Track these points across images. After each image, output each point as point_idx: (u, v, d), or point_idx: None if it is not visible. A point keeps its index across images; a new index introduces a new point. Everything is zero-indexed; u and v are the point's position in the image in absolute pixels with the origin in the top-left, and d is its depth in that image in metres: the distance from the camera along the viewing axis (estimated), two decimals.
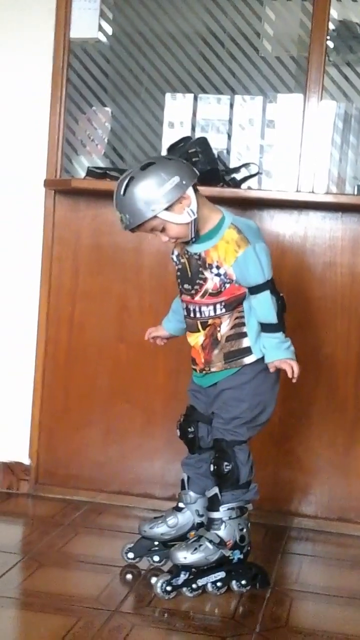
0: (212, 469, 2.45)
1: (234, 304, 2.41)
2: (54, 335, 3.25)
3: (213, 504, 2.44)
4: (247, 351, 2.42)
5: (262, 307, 2.39)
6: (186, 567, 2.38)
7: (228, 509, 2.42)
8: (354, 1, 3.12)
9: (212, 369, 2.46)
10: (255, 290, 2.38)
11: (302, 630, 2.26)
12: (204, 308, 2.43)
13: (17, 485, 3.28)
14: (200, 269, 2.41)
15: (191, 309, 2.46)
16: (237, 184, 3.00)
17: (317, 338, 3.05)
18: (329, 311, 3.06)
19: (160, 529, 2.59)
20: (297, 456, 3.09)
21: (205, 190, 2.90)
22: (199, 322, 2.46)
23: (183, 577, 2.38)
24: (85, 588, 2.42)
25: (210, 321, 2.44)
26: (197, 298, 2.43)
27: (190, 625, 2.25)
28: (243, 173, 3.06)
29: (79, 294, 3.23)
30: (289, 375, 2.39)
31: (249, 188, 3.06)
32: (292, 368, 2.38)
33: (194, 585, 2.39)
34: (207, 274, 2.40)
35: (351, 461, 3.06)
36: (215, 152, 3.03)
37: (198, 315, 2.45)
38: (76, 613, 2.23)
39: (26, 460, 3.28)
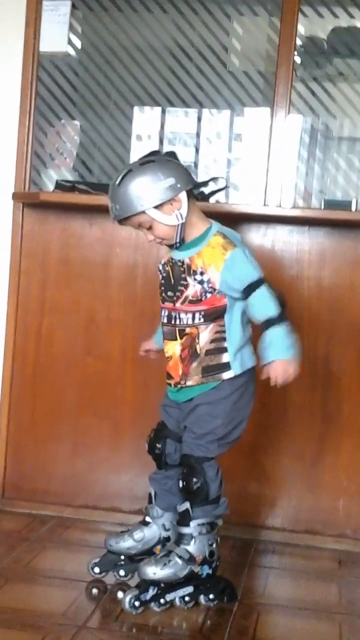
0: (181, 485, 2.43)
1: (213, 316, 2.38)
2: (22, 348, 3.24)
3: (184, 519, 2.43)
4: (226, 367, 2.39)
5: (261, 302, 2.33)
6: (155, 583, 2.37)
7: (198, 525, 2.41)
8: (320, 17, 3.15)
9: (188, 383, 2.43)
10: (250, 289, 2.33)
11: None
12: (182, 315, 2.41)
13: None
14: (183, 275, 2.40)
15: (172, 315, 2.44)
16: (205, 197, 3.01)
17: None
18: (295, 324, 3.06)
19: (127, 543, 2.57)
20: (263, 468, 3.09)
21: None
22: (177, 330, 2.43)
23: (152, 592, 2.37)
24: (52, 603, 2.41)
25: (187, 330, 2.41)
26: (178, 304, 2.41)
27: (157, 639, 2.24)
28: (211, 187, 3.07)
29: (46, 307, 3.22)
30: (273, 382, 2.31)
31: (217, 202, 3.08)
32: (283, 374, 2.30)
33: (162, 600, 2.38)
34: (189, 280, 2.39)
35: (318, 473, 3.07)
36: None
37: (177, 322, 2.43)
38: (43, 629, 2.22)
39: None
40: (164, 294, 2.48)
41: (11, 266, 3.23)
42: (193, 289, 2.38)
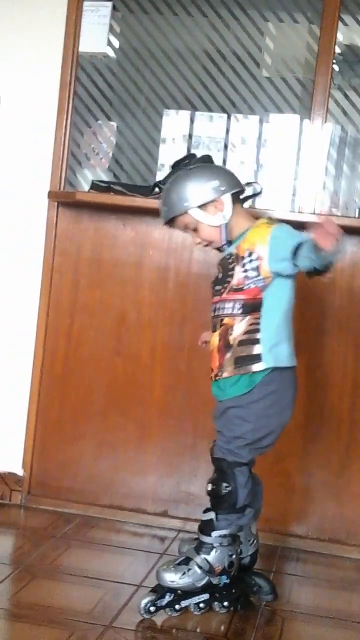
0: (209, 488, 2.43)
1: (251, 308, 2.35)
2: (52, 347, 3.26)
3: (206, 527, 2.41)
4: (257, 358, 2.36)
5: (309, 248, 2.21)
6: (172, 590, 2.38)
7: (220, 536, 2.40)
8: None
9: (224, 374, 2.41)
10: (301, 244, 2.23)
11: None
12: (226, 304, 2.40)
13: (10, 495, 3.27)
14: (231, 265, 2.39)
15: (217, 307, 2.44)
16: (239, 202, 3.01)
17: (313, 359, 3.06)
18: (326, 333, 3.08)
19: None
20: (289, 475, 3.10)
21: None
22: (218, 320, 2.44)
23: (168, 598, 2.38)
24: (78, 602, 2.42)
25: (225, 320, 2.40)
26: (224, 295, 2.41)
27: None
28: (246, 192, 3.07)
29: (78, 307, 3.24)
30: (324, 240, 2.14)
31: (251, 207, 3.08)
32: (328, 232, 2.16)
33: (177, 607, 2.39)
34: (237, 269, 2.37)
35: (344, 482, 3.07)
36: None
37: (220, 312, 2.43)
38: (69, 627, 2.23)
39: (19, 471, 3.27)
40: (213, 290, 2.48)
41: (44, 265, 3.25)
42: (237, 277, 2.37)
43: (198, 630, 2.35)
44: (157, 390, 3.19)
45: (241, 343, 2.38)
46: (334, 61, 3.10)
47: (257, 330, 2.37)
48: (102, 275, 3.22)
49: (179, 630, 2.32)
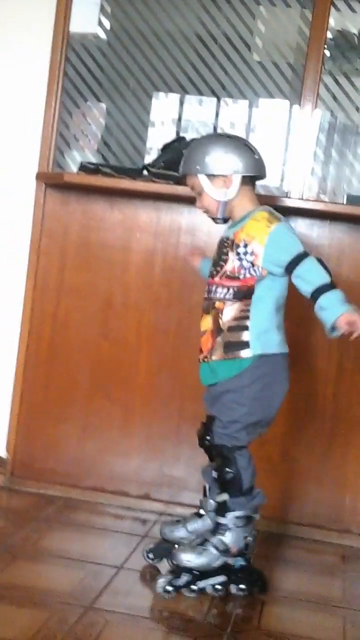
0: (215, 475, 2.46)
1: (242, 294, 2.39)
2: (37, 329, 3.25)
3: (221, 509, 2.45)
4: (245, 345, 2.39)
5: (312, 271, 2.33)
6: (188, 569, 2.41)
7: (236, 517, 2.43)
8: (352, 12, 3.14)
9: (213, 357, 2.45)
10: (296, 260, 2.32)
11: (272, 634, 2.27)
12: (218, 289, 2.44)
13: None
14: (225, 249, 2.43)
15: (210, 289, 2.48)
16: None
17: (298, 345, 3.06)
18: (311, 319, 3.06)
19: (180, 533, 2.60)
20: (271, 460, 3.10)
21: None
22: (210, 303, 2.47)
23: (185, 578, 2.41)
24: (59, 583, 2.42)
25: (217, 304, 2.44)
26: (217, 279, 2.44)
27: (163, 624, 2.26)
28: None
29: (64, 289, 3.23)
30: (354, 330, 2.27)
31: None
32: (356, 323, 2.26)
33: (193, 587, 2.41)
34: (230, 255, 2.41)
35: (326, 467, 3.08)
36: None
37: (212, 295, 2.46)
38: (50, 607, 2.23)
39: (2, 453, 3.27)
40: (211, 269, 2.51)
41: (31, 246, 3.23)
42: (232, 264, 2.40)
43: (179, 610, 2.35)
44: (143, 374, 3.19)
45: (230, 329, 2.42)
46: (326, 46, 3.10)
47: (247, 318, 2.41)
48: (89, 258, 3.21)
49: (159, 611, 2.33)
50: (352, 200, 3.06)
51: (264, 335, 2.42)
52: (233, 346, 2.41)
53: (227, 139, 2.47)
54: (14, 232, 3.25)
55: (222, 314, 2.43)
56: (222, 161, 2.39)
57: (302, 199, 3.06)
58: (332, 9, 3.08)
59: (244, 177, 2.41)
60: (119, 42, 3.28)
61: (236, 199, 2.42)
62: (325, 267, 2.35)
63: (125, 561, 2.64)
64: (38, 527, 2.85)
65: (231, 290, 2.41)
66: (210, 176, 2.40)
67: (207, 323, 2.48)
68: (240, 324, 2.41)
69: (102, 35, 3.27)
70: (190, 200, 3.03)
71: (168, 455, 3.17)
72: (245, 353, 2.40)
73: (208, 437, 2.52)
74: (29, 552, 2.63)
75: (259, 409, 2.44)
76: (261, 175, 2.48)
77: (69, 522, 2.96)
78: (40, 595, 2.31)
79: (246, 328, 2.40)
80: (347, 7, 3.11)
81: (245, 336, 2.40)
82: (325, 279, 2.32)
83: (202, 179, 2.41)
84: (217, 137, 2.48)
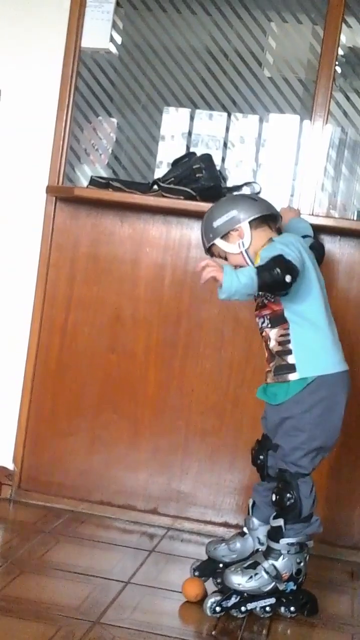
0: (274, 498, 2.45)
1: (277, 320, 2.45)
2: (46, 342, 3.25)
3: (275, 534, 2.43)
4: (292, 368, 2.43)
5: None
6: (238, 592, 2.40)
7: (288, 544, 2.42)
8: None
9: (268, 380, 2.51)
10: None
11: None
12: (259, 320, 2.52)
13: None
14: None
15: (257, 321, 2.55)
16: None
17: None
18: None
19: (222, 551, 2.59)
20: None
21: (205, 206, 2.93)
22: (261, 333, 2.54)
23: (234, 600, 2.40)
24: (66, 597, 2.42)
25: (264, 333, 2.51)
26: (257, 311, 2.54)
27: (169, 639, 2.25)
28: (244, 191, 3.08)
29: (73, 302, 3.23)
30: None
31: None
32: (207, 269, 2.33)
33: (242, 608, 2.41)
34: None
35: (335, 484, 3.07)
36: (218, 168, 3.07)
37: (259, 326, 2.53)
38: (57, 622, 2.23)
39: (10, 465, 3.27)
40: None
41: (40, 259, 3.24)
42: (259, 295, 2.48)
43: (185, 626, 2.34)
44: (151, 388, 3.19)
45: (278, 353, 2.48)
46: (337, 63, 3.10)
47: (288, 341, 2.45)
48: (99, 271, 3.21)
49: (166, 627, 2.31)
50: None
51: (312, 357, 2.44)
52: (281, 370, 2.46)
53: (222, 201, 2.57)
54: (24, 245, 3.26)
55: (269, 341, 2.50)
56: (226, 219, 2.47)
57: (312, 214, 3.06)
58: (344, 26, 3.09)
59: (252, 222, 2.47)
60: (130, 58, 3.30)
61: (254, 242, 2.47)
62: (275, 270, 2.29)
63: (133, 576, 2.63)
64: (45, 541, 2.85)
65: (266, 320, 2.49)
66: (224, 237, 2.48)
67: (265, 350, 2.54)
68: (284, 348, 2.45)
69: (114, 51, 3.28)
70: (199, 215, 3.04)
71: (176, 470, 3.16)
72: (292, 376, 2.44)
73: (261, 457, 2.55)
74: (35, 565, 2.63)
75: (321, 433, 2.44)
76: (270, 212, 2.52)
77: (76, 535, 2.95)
78: (47, 609, 2.31)
79: (290, 352, 2.44)
80: (358, 24, 3.12)
81: (291, 359, 2.44)
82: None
83: (219, 243, 2.49)
84: (215, 204, 2.55)
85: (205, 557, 2.65)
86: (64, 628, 2.20)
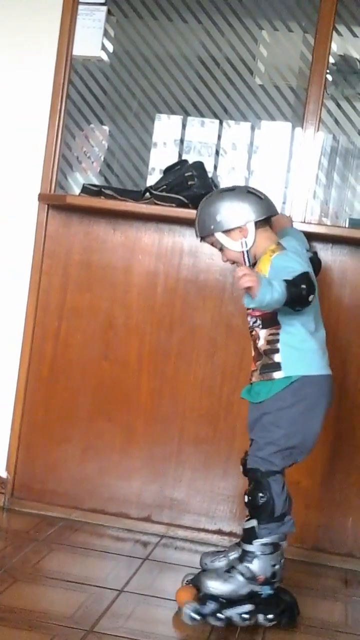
0: (246, 499, 2.43)
1: (269, 322, 2.44)
2: (39, 350, 3.25)
3: (248, 536, 2.41)
4: (277, 367, 2.43)
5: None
6: (215, 597, 2.38)
7: (262, 544, 2.40)
8: (354, 37, 3.16)
9: (253, 379, 2.50)
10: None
11: None
12: (252, 319, 2.50)
13: None
14: None
15: (248, 319, 2.53)
16: None
17: None
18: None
19: (221, 563, 2.53)
20: None
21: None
22: (250, 332, 2.53)
23: (211, 606, 2.38)
24: (60, 606, 2.41)
25: (253, 332, 2.51)
26: (249, 310, 2.51)
27: None
28: None
29: (66, 310, 3.23)
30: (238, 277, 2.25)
31: None
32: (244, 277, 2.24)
33: (220, 615, 2.38)
34: None
35: (328, 490, 3.07)
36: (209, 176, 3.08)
37: (249, 325, 2.52)
38: (50, 631, 2.22)
39: (3, 474, 3.26)
40: None
41: (33, 267, 3.24)
42: None
43: (177, 634, 2.35)
44: (144, 395, 3.19)
45: (266, 352, 2.47)
46: (328, 71, 3.11)
47: (277, 341, 2.45)
48: (91, 279, 3.21)
49: (160, 635, 2.31)
50: (354, 223, 3.07)
51: (298, 357, 2.44)
52: (267, 368, 2.46)
53: (230, 192, 2.50)
54: (17, 252, 3.26)
55: (258, 340, 2.49)
56: (233, 215, 2.44)
57: (304, 222, 3.06)
58: (335, 34, 3.11)
59: (257, 222, 2.45)
60: (122, 65, 3.30)
61: (256, 243, 2.45)
62: (299, 287, 2.28)
63: (126, 584, 2.63)
64: (38, 549, 2.84)
65: (259, 320, 2.47)
66: (226, 231, 2.45)
67: (252, 349, 2.53)
68: (272, 347, 2.45)
69: (105, 58, 3.29)
70: (192, 223, 3.04)
71: (169, 477, 3.16)
72: (277, 374, 2.43)
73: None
74: (28, 574, 2.62)
75: (297, 432, 2.43)
76: (272, 213, 2.51)
77: (69, 544, 2.95)
78: (40, 618, 2.30)
79: (277, 351, 2.44)
80: (349, 32, 3.14)
81: (277, 358, 2.44)
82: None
83: (219, 236, 2.46)
84: (222, 193, 2.50)
85: (194, 565, 2.62)
86: (57, 637, 2.19)
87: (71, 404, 3.23)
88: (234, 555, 2.50)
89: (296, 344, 2.44)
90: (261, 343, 2.48)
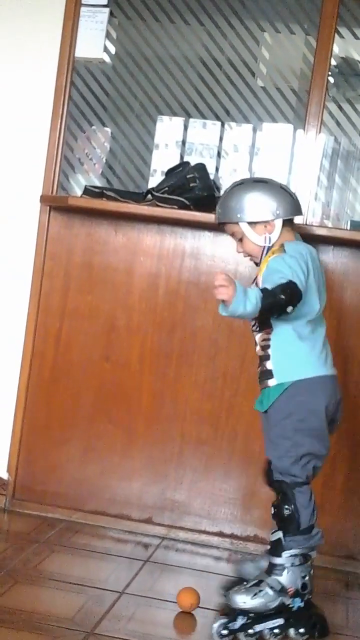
0: (272, 511, 2.40)
1: (263, 325, 2.41)
2: (40, 351, 3.25)
3: (276, 548, 2.37)
4: (270, 374, 2.40)
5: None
6: (244, 612, 2.34)
7: (291, 556, 2.36)
8: (356, 39, 3.16)
9: (260, 386, 2.46)
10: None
11: None
12: (251, 320, 2.46)
13: None
14: (252, 285, 2.42)
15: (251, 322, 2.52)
16: None
17: None
18: None
19: (249, 569, 2.50)
20: None
21: (199, 216, 2.95)
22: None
23: (240, 621, 2.34)
24: (61, 607, 2.41)
25: (254, 335, 2.49)
26: None
27: None
28: None
29: (67, 311, 3.23)
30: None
31: None
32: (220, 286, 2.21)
33: (250, 631, 2.34)
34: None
35: (329, 493, 3.06)
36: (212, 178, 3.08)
37: (251, 327, 2.50)
38: (51, 632, 2.22)
39: (4, 475, 3.26)
40: None
41: (35, 268, 3.24)
42: None
43: (177, 637, 2.35)
44: (145, 397, 3.19)
45: (261, 358, 2.45)
46: (329, 73, 3.12)
47: (268, 346, 2.42)
48: (93, 281, 3.22)
49: (161, 637, 2.31)
50: (356, 225, 3.07)
51: (288, 362, 2.40)
52: (262, 375, 2.44)
53: (264, 184, 2.47)
54: (18, 254, 3.26)
55: (256, 346, 2.47)
56: (263, 207, 2.41)
57: (305, 224, 3.06)
58: (336, 36, 3.11)
59: (284, 220, 2.43)
60: (124, 67, 3.30)
61: (279, 241, 2.43)
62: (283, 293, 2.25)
63: (127, 586, 2.63)
64: (39, 551, 2.84)
65: (255, 322, 2.44)
66: (252, 223, 2.42)
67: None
68: (265, 353, 2.43)
69: (108, 60, 3.29)
70: (193, 225, 3.07)
71: (170, 479, 3.16)
72: (271, 382, 2.41)
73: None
74: (29, 575, 2.62)
75: (304, 439, 2.37)
76: (299, 214, 2.51)
77: (70, 545, 2.95)
78: (41, 619, 2.30)
79: (269, 357, 2.41)
80: (351, 35, 3.14)
81: (269, 365, 2.41)
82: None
83: (243, 226, 2.43)
84: (254, 184, 2.48)
85: (195, 567, 2.61)
86: (58, 639, 2.19)
87: (72, 405, 3.23)
88: (260, 563, 2.46)
89: (286, 347, 2.40)
90: (257, 349, 2.46)
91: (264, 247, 2.42)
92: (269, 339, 2.41)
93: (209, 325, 3.13)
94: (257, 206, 2.41)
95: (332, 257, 3.06)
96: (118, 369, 3.19)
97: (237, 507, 3.12)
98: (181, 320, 3.15)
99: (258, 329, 2.44)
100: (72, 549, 2.91)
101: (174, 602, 2.49)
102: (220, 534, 3.14)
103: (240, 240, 2.47)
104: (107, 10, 3.24)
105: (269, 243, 2.42)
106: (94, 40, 3.24)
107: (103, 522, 3.18)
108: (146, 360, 3.18)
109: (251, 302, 2.20)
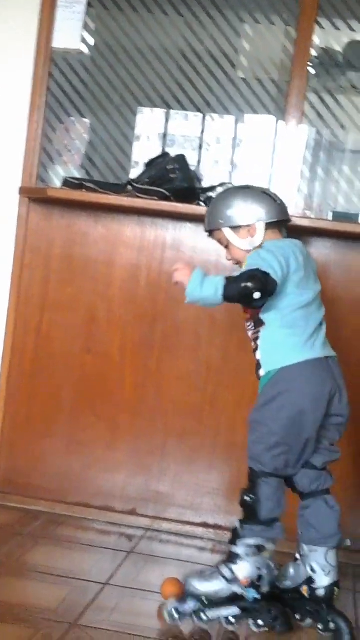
0: (239, 499, 2.39)
1: (258, 322, 2.42)
2: (21, 343, 3.23)
3: (233, 536, 2.38)
4: (259, 365, 2.42)
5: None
6: (196, 596, 2.35)
7: (246, 545, 2.35)
8: (336, 30, 3.16)
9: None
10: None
11: None
12: (248, 322, 2.48)
13: None
14: None
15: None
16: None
17: None
18: None
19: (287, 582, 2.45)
20: None
21: (180, 207, 2.95)
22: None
23: (191, 605, 2.34)
24: (44, 599, 2.40)
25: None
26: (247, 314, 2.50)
27: None
28: (218, 192, 3.07)
29: (48, 303, 3.22)
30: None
31: None
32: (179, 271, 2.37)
33: (202, 616, 2.34)
34: None
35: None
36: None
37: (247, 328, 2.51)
38: (35, 624, 2.22)
39: None
40: None
41: (14, 260, 3.22)
42: None
43: (161, 628, 2.34)
44: (127, 389, 3.18)
45: (254, 351, 2.46)
46: (310, 64, 3.12)
47: (257, 338, 2.44)
48: (73, 273, 3.20)
49: (143, 628, 2.31)
50: (338, 217, 3.07)
51: (273, 350, 2.39)
52: (256, 367, 2.45)
53: (245, 190, 2.50)
54: None
55: (252, 342, 2.48)
56: (244, 212, 2.43)
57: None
58: (317, 27, 3.11)
59: (267, 224, 2.43)
60: (103, 58, 3.28)
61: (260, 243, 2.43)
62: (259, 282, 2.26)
63: (111, 577, 2.63)
64: (22, 543, 2.83)
65: (251, 322, 2.46)
66: (235, 228, 2.44)
67: None
68: (255, 345, 2.45)
69: (86, 51, 3.27)
70: (174, 216, 3.07)
71: (154, 471, 3.16)
72: (261, 372, 2.42)
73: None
74: (13, 567, 2.61)
75: (280, 429, 2.33)
76: (285, 219, 2.50)
77: (53, 537, 2.94)
78: (24, 611, 2.29)
79: (257, 348, 2.44)
80: (331, 25, 3.14)
81: (258, 355, 2.43)
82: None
83: (227, 232, 2.45)
84: (236, 190, 2.51)
85: (179, 557, 2.60)
86: (41, 630, 2.19)
87: (54, 398, 3.22)
88: (287, 570, 2.43)
89: (272, 337, 2.39)
90: (252, 343, 2.46)
91: (248, 251, 2.42)
92: (258, 331, 2.43)
93: (191, 317, 3.13)
94: (238, 211, 2.43)
95: (315, 248, 3.06)
96: (100, 361, 3.19)
97: (220, 498, 3.12)
98: (162, 312, 3.15)
99: (254, 327, 2.45)
100: (56, 541, 2.91)
101: (158, 592, 2.49)
102: (204, 525, 3.14)
103: (227, 247, 2.49)
104: (84, 0, 3.22)
105: (252, 247, 2.42)
106: (71, 31, 3.22)
107: (87, 514, 3.17)
108: (128, 352, 3.17)
109: (209, 289, 2.26)
